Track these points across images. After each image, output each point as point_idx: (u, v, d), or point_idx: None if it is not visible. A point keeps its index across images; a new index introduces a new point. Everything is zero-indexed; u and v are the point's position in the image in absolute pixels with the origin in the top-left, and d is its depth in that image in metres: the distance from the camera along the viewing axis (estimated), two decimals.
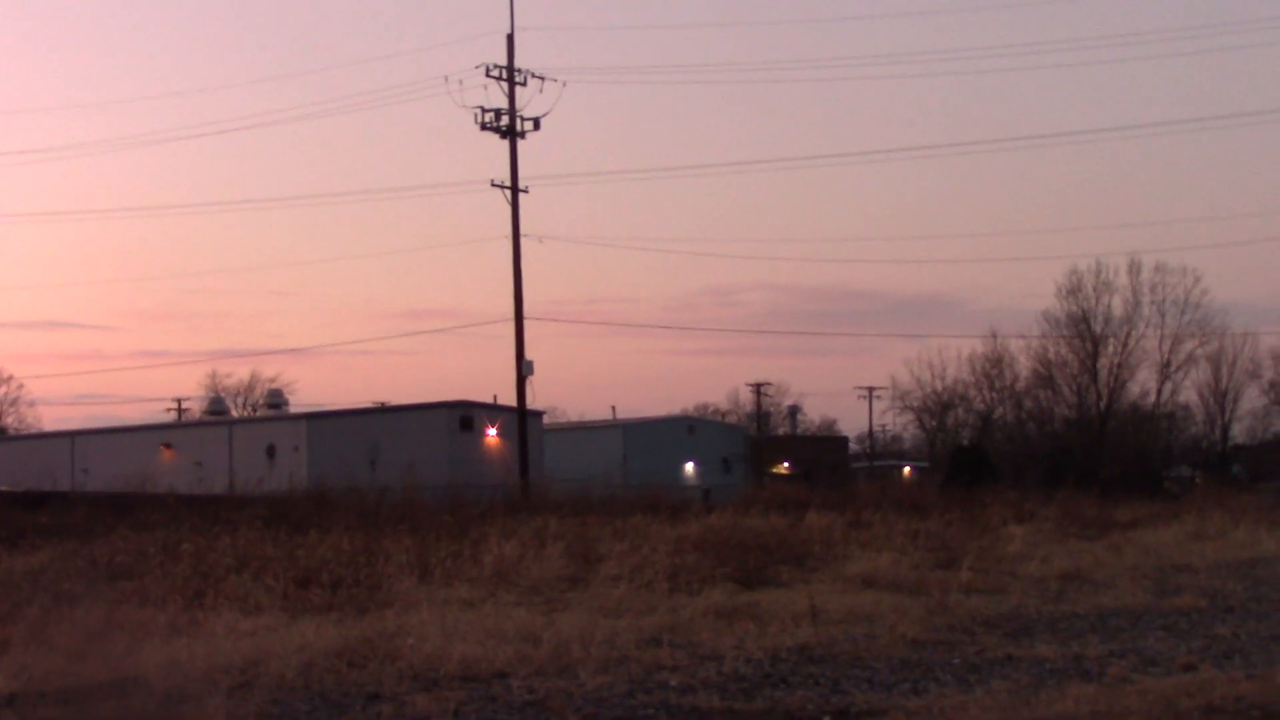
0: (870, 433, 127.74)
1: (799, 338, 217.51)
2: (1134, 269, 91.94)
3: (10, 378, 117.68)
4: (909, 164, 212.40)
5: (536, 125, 57.26)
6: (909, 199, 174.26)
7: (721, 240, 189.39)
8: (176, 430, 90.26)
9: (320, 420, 78.41)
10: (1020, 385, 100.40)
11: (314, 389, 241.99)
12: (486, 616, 18.10)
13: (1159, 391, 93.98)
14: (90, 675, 14.03)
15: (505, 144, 57.02)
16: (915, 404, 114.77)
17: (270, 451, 74.52)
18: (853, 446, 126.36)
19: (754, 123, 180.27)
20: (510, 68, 57.15)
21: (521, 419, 57.21)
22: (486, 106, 56.81)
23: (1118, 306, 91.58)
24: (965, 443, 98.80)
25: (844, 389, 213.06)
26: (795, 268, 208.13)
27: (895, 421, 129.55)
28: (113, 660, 14.56)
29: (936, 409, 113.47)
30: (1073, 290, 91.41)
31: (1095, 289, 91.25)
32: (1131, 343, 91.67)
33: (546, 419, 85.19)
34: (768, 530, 30.96)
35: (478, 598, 20.26)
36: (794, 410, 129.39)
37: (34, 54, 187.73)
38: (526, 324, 56.63)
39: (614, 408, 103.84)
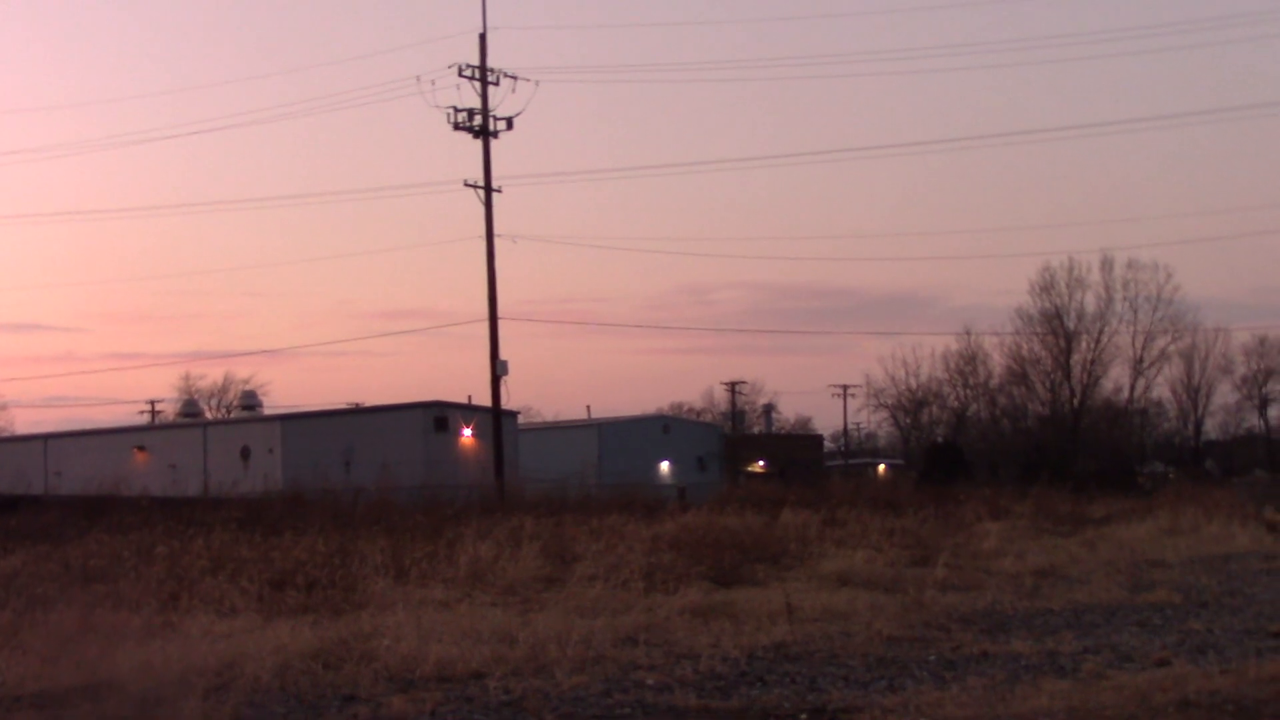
0: (845, 431, 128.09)
1: (774, 336, 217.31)
2: (1106, 265, 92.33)
3: None
4: (883, 162, 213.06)
5: (509, 125, 57.19)
6: (883, 197, 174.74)
7: (697, 239, 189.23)
8: (150, 433, 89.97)
9: (295, 422, 78.27)
10: (994, 382, 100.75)
11: (288, 390, 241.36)
12: (462, 617, 18.09)
13: (1132, 387, 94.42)
14: (65, 679, 13.98)
15: (478, 144, 56.93)
16: (889, 402, 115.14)
17: (245, 453, 74.36)
18: (827, 444, 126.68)
19: (728, 122, 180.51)
20: (483, 67, 57.08)
21: (496, 419, 57.15)
22: (459, 106, 56.68)
23: (1090, 303, 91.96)
24: (939, 440, 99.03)
25: (818, 387, 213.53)
26: (770, 266, 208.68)
27: (870, 419, 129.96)
28: (87, 664, 14.51)
29: (911, 406, 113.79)
30: (1046, 287, 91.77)
31: (1068, 285, 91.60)
32: (1104, 339, 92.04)
33: (522, 419, 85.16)
34: (743, 529, 30.96)
35: (453, 598, 20.24)
36: (769, 409, 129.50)
37: (8, 58, 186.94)
38: (501, 324, 56.55)
39: (589, 407, 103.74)
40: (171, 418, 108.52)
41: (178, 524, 28.18)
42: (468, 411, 75.06)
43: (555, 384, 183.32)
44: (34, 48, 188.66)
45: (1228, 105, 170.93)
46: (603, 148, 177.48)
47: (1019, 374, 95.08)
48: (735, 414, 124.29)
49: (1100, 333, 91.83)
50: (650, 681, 14.52)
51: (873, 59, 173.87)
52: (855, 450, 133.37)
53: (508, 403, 58.27)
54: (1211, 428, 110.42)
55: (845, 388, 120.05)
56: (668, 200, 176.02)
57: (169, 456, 77.61)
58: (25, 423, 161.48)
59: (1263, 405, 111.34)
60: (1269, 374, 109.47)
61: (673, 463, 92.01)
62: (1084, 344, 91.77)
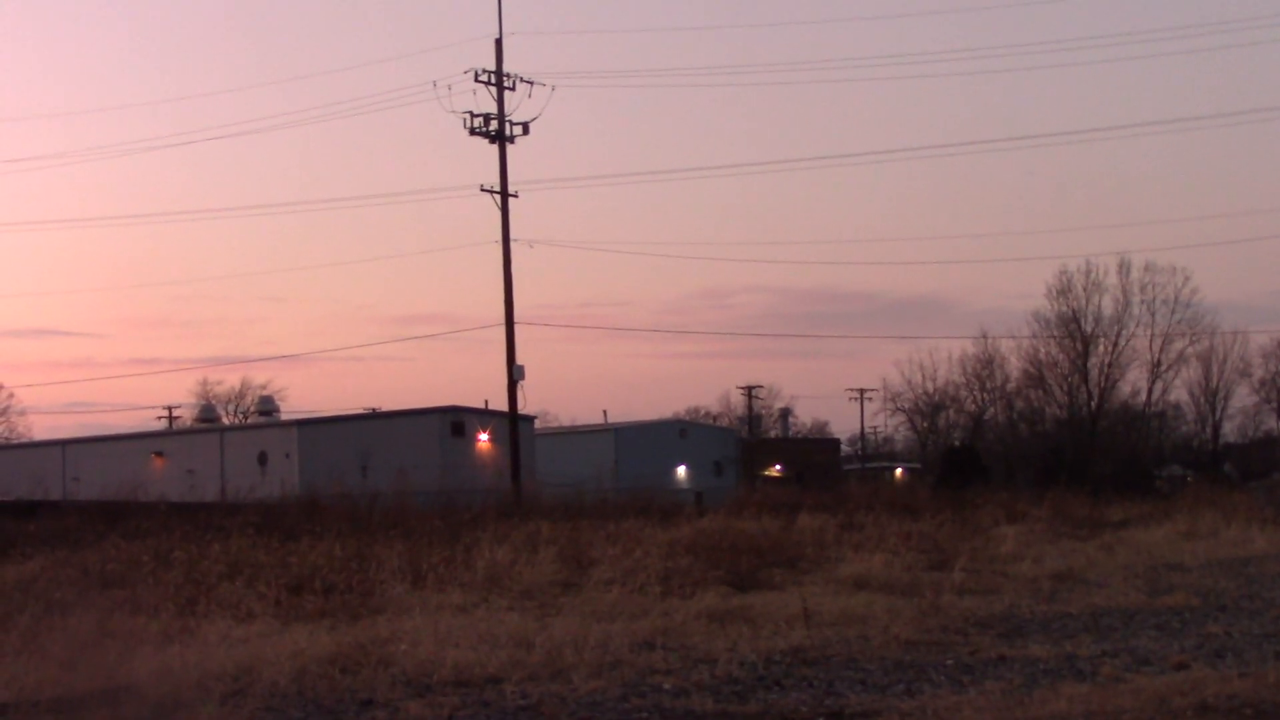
0: (862, 434, 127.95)
1: (791, 340, 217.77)
2: (1124, 269, 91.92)
3: (1, 386, 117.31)
4: (900, 166, 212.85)
5: (526, 130, 57.29)
6: (900, 201, 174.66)
7: (714, 243, 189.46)
8: (168, 438, 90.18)
9: (312, 427, 78.36)
10: (1011, 386, 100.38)
11: (305, 395, 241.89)
12: (479, 622, 18.09)
13: (1150, 391, 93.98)
14: (83, 684, 14.01)
15: (495, 149, 57.03)
16: (906, 405, 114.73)
17: (262, 458, 74.46)
18: (844, 448, 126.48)
19: (745, 125, 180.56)
20: (499, 72, 57.15)
21: (513, 424, 57.19)
22: (475, 111, 56.83)
23: (1108, 306, 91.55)
24: (957, 444, 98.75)
25: (835, 391, 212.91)
26: (788, 270, 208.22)
27: (887, 423, 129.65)
28: (105, 669, 14.54)
29: (928, 410, 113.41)
30: (1063, 290, 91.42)
31: (1085, 289, 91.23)
32: (1122, 342, 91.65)
33: (538, 423, 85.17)
34: (760, 533, 30.94)
35: (470, 603, 20.25)
36: (785, 413, 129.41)
37: (24, 62, 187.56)
38: (518, 329, 56.63)
39: (605, 412, 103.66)
40: (189, 423, 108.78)
41: (195, 529, 28.30)
42: (484, 416, 75.08)
43: (572, 388, 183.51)
44: (53, 53, 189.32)
45: (1246, 108, 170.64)
46: (619, 152, 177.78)
47: (1036, 377, 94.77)
48: (752, 418, 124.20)
49: (1118, 336, 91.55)
50: (667, 686, 14.50)
51: (892, 63, 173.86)
52: (872, 454, 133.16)
53: (524, 407, 58.33)
54: (1230, 431, 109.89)
55: (862, 391, 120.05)
56: (685, 204, 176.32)
57: (186, 462, 77.76)
58: (44, 428, 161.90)
59: None
60: None
61: (689, 467, 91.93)
62: (1101, 347, 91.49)
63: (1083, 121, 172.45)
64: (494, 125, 56.92)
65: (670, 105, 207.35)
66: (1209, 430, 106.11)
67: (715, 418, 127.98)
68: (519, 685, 14.41)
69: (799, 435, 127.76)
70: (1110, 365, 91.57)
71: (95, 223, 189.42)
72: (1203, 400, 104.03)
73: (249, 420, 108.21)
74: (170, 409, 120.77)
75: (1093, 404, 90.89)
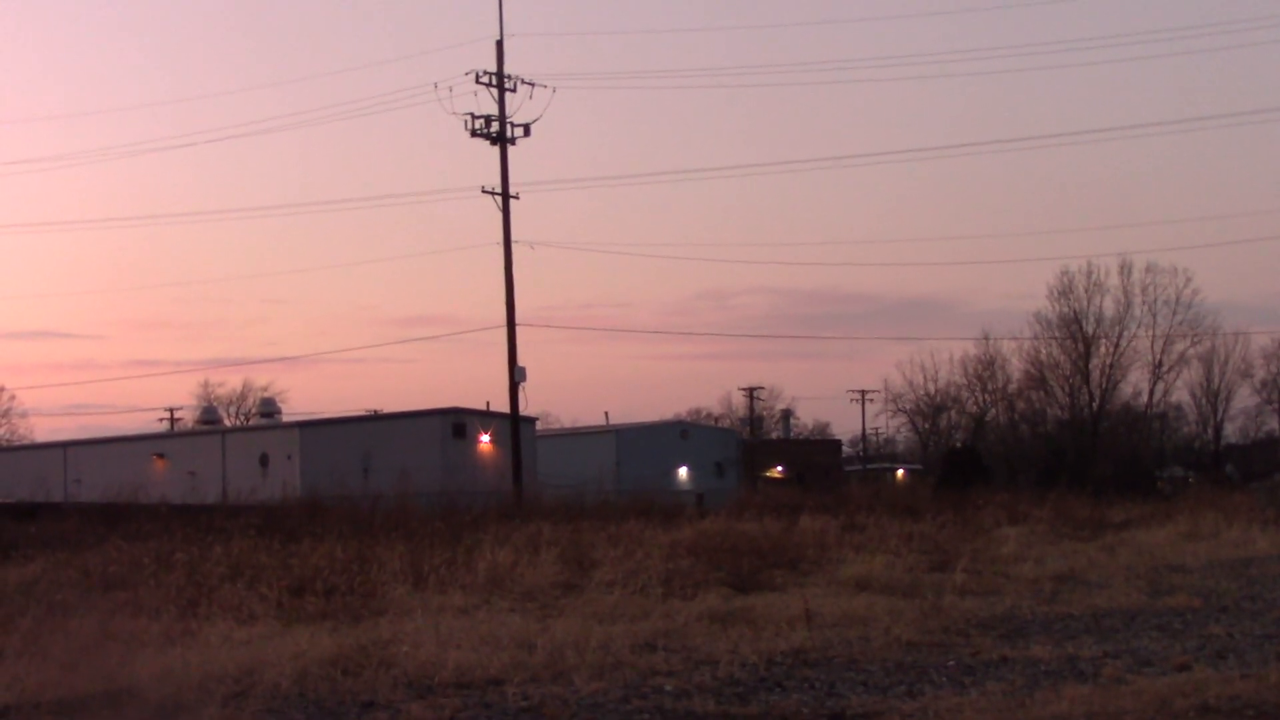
0: (863, 436, 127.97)
1: (793, 341, 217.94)
2: (1125, 269, 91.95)
3: (2, 388, 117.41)
4: (902, 167, 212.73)
5: (527, 131, 57.33)
6: (901, 201, 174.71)
7: (716, 244, 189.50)
8: (169, 440, 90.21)
9: (313, 429, 78.40)
10: (1012, 387, 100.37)
11: (307, 397, 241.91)
12: (481, 623, 18.08)
13: (1151, 392, 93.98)
14: (84, 686, 14.01)
15: (496, 150, 57.06)
16: (908, 407, 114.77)
17: (263, 460, 74.50)
18: (846, 450, 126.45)
19: (747, 126, 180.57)
20: (500, 74, 57.20)
21: (514, 425, 57.20)
22: (477, 113, 56.93)
23: (1109, 307, 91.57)
24: (958, 445, 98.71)
25: (837, 392, 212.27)
26: (789, 271, 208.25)
27: (888, 424, 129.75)
28: (107, 671, 14.54)
29: (929, 411, 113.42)
30: (1064, 291, 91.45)
31: (1086, 290, 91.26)
32: (1123, 343, 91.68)
33: (539, 425, 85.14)
34: (761, 534, 30.94)
35: (472, 604, 20.24)
36: (787, 414, 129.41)
37: (25, 65, 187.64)
38: (519, 330, 56.70)
39: (607, 413, 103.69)
40: (190, 425, 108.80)
41: (196, 531, 28.30)
42: (486, 418, 75.05)
43: (573, 390, 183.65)
44: (53, 55, 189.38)
45: (1247, 109, 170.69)
46: (620, 153, 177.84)
47: (1037, 378, 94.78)
48: (753, 419, 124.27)
49: (1119, 337, 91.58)
50: (669, 687, 14.50)
51: (892, 63, 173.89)
52: (873, 455, 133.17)
53: (526, 409, 58.36)
54: (1231, 432, 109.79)
55: (864, 393, 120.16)
56: (685, 205, 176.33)
57: (188, 464, 77.79)
58: (45, 430, 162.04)
59: None
60: None
61: (691, 468, 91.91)
62: (1103, 348, 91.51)
63: (1083, 121, 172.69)
64: (495, 127, 56.97)
65: (670, 105, 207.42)
66: (1210, 431, 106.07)
67: (717, 419, 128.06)
68: (520, 687, 14.41)
69: (800, 436, 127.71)
70: (1112, 366, 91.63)
71: (96, 224, 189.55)
72: (1204, 401, 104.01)
73: (250, 422, 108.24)
74: (171, 411, 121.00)
75: (1094, 405, 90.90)
